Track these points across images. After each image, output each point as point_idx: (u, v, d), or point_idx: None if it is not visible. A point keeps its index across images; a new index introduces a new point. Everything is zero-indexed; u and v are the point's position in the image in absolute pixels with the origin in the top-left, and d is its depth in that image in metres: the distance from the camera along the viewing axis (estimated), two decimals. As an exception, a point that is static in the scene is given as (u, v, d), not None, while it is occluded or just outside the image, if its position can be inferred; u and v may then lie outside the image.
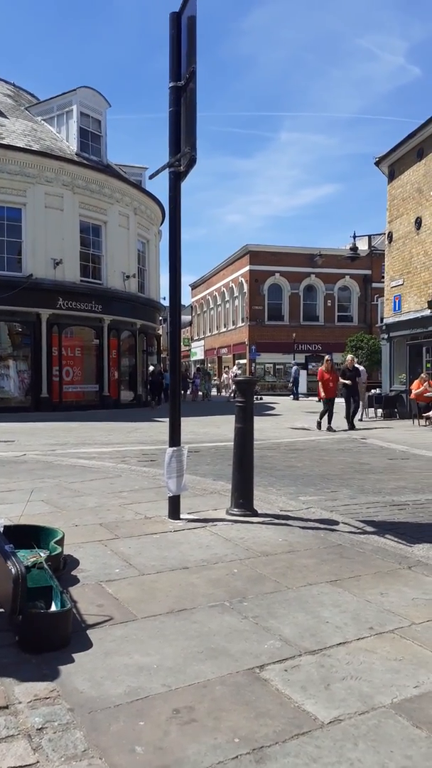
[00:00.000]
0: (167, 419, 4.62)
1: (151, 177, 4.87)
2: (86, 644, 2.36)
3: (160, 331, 30.11)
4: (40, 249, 20.15)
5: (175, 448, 4.41)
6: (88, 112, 22.65)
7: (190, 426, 13.02)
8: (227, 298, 44.99)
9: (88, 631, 2.48)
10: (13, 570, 2.30)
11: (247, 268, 39.89)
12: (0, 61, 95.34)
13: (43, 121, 23.04)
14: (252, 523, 4.40)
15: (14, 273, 19.76)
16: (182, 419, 4.60)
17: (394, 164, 21.14)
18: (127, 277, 23.35)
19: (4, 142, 19.83)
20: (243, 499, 4.65)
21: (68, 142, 22.33)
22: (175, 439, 4.45)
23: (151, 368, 24.74)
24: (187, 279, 57.54)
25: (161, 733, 1.78)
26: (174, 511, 4.46)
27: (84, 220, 21.72)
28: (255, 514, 4.60)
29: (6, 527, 3.28)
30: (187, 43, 4.28)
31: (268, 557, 3.57)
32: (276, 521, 4.47)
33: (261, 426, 14.26)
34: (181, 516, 4.46)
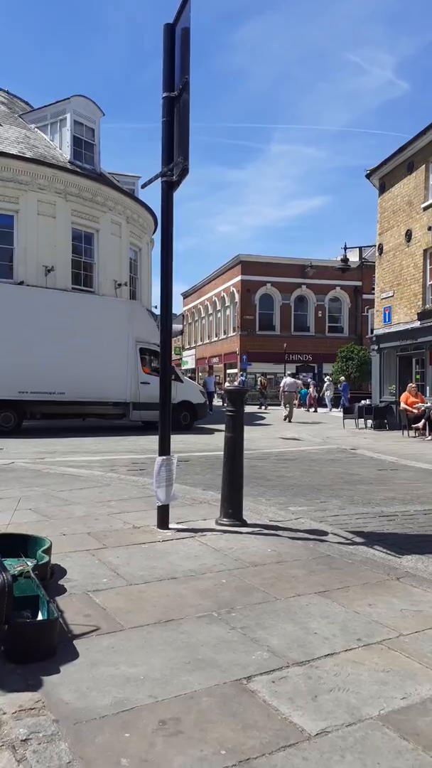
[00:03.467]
0: (156, 429, 4.61)
1: (143, 186, 4.89)
2: (73, 654, 2.34)
3: (152, 340, 30.04)
4: (32, 256, 20.12)
5: (164, 457, 4.40)
6: (81, 121, 22.74)
7: (180, 436, 13.00)
8: (218, 308, 45.10)
9: (74, 641, 2.46)
10: (-1, 579, 2.28)
11: (239, 278, 40.04)
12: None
13: (36, 129, 23.09)
14: (241, 533, 4.39)
15: (6, 280, 19.68)
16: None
17: (385, 177, 21.36)
18: (119, 285, 23.36)
19: (-2, 149, 19.83)
20: (232, 509, 4.64)
21: (62, 150, 22.38)
22: (164, 448, 4.44)
23: None
24: (178, 288, 57.67)
25: (147, 745, 1.77)
26: (163, 520, 4.44)
27: (76, 228, 21.73)
28: (244, 524, 4.59)
29: (-7, 536, 3.26)
30: (181, 55, 4.32)
31: (257, 568, 3.56)
32: (265, 531, 4.46)
33: (251, 436, 14.26)
34: (170, 526, 4.44)
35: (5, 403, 14.00)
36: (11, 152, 19.96)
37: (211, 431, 15.70)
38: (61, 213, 21.04)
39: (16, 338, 13.63)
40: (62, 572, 3.33)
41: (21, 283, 19.63)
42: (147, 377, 15.53)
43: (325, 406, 31.01)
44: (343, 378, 32.88)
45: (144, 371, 15.68)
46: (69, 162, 21.96)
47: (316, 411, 30.01)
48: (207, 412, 17.97)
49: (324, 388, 32.08)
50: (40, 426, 16.09)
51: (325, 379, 32.92)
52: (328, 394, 31.33)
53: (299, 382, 27.90)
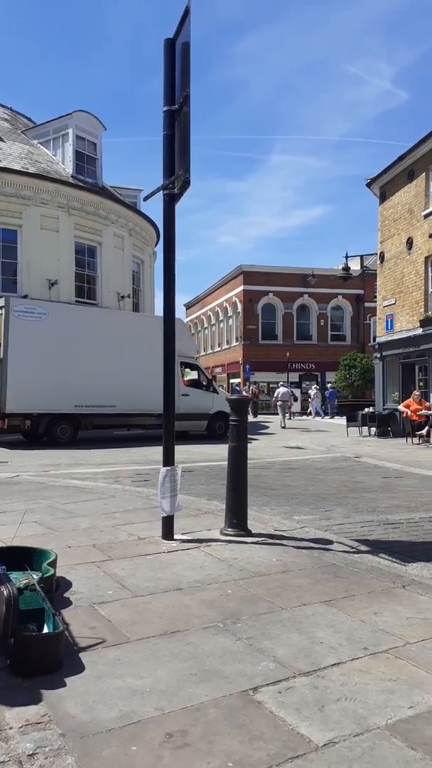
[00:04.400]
0: (161, 439, 4.61)
1: (145, 199, 4.93)
2: (79, 667, 2.34)
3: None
4: (35, 270, 20.26)
5: (168, 468, 4.41)
6: (83, 135, 22.96)
7: (184, 446, 12.99)
8: (221, 318, 45.19)
9: (80, 654, 2.45)
10: (5, 592, 2.29)
11: (241, 288, 40.14)
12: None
13: (39, 145, 23.31)
14: (246, 543, 4.38)
15: (10, 294, 19.82)
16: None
17: (385, 186, 21.45)
18: (122, 297, 23.47)
19: (1, 165, 20.04)
20: (237, 519, 4.64)
21: (64, 164, 22.59)
22: (168, 458, 4.45)
23: None
24: (181, 299, 57.89)
25: (154, 758, 1.76)
26: (168, 531, 4.44)
27: (79, 242, 21.88)
28: (249, 534, 4.59)
29: (-2, 549, 3.26)
30: (181, 69, 4.37)
31: (263, 578, 3.55)
32: (270, 541, 4.45)
33: (255, 445, 14.25)
34: (175, 536, 4.44)
35: (63, 416, 14.85)
36: (14, 168, 20.16)
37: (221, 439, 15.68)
38: (63, 227, 21.20)
39: (72, 356, 14.43)
40: (68, 585, 3.33)
41: (25, 296, 19.74)
42: (187, 389, 16.50)
43: (317, 413, 31.76)
44: (329, 385, 33.15)
45: (183, 384, 16.50)
46: (71, 176, 22.16)
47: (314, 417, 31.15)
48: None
49: (312, 396, 32.43)
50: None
51: (312, 388, 33.23)
52: (314, 403, 32.02)
53: (292, 391, 29.08)
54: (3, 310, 13.75)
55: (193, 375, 17.63)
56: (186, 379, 17.01)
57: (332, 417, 30.19)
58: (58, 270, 20.81)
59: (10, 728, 1.90)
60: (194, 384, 17.33)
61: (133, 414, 15.86)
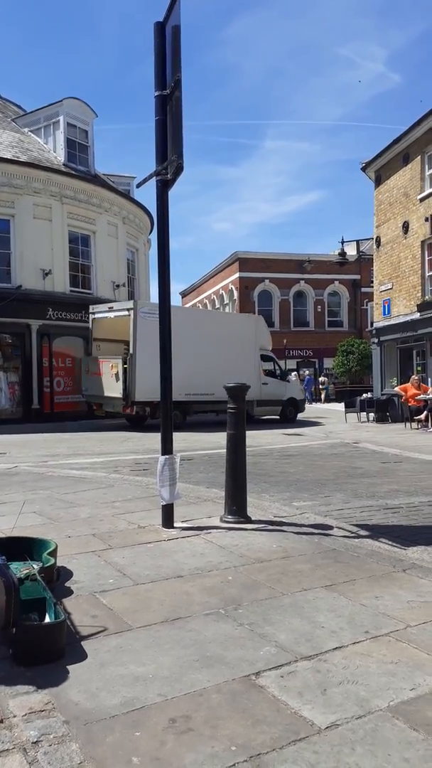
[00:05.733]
0: (158, 429, 4.61)
1: (138, 185, 4.89)
2: (81, 655, 2.34)
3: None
4: (28, 260, 20.13)
5: (167, 457, 4.40)
6: (75, 123, 22.72)
7: (182, 434, 13.01)
8: (218, 305, 45.07)
9: (82, 642, 2.46)
10: (5, 582, 2.29)
11: (237, 275, 40.00)
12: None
13: (30, 133, 23.07)
14: (246, 530, 4.39)
15: (3, 284, 19.72)
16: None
17: (381, 169, 21.34)
18: (117, 286, 23.36)
19: (-9, 153, 19.83)
20: (236, 506, 4.65)
21: (55, 152, 22.37)
22: (167, 447, 4.45)
23: None
24: (176, 287, 57.60)
25: (158, 744, 1.77)
26: (167, 519, 4.44)
27: (73, 230, 21.73)
28: (249, 520, 4.60)
29: (-2, 539, 3.26)
30: (172, 53, 4.31)
31: (263, 564, 3.56)
32: (270, 527, 4.47)
33: (253, 432, 14.26)
34: (175, 524, 4.44)
35: (176, 404, 15.73)
36: (6, 156, 19.96)
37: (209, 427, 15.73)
38: (56, 216, 21.04)
39: (182, 350, 16.45)
40: (68, 574, 3.34)
41: (19, 287, 19.65)
42: (266, 378, 18.89)
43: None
44: (307, 372, 32.85)
45: (262, 374, 18.83)
46: (63, 164, 21.96)
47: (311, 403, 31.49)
48: (305, 407, 21.31)
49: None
50: (43, 429, 16.13)
51: (291, 375, 33.18)
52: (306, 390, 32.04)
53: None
54: (131, 312, 15.79)
55: (268, 365, 19.60)
56: (263, 369, 19.05)
57: (310, 403, 30.32)
58: (51, 259, 20.68)
59: (14, 716, 1.90)
60: (270, 374, 19.42)
61: (224, 401, 16.35)
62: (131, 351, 15.72)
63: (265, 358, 19.24)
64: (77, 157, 22.76)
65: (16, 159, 20.15)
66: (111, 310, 17.00)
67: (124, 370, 15.73)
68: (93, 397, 17.31)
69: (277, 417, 19.30)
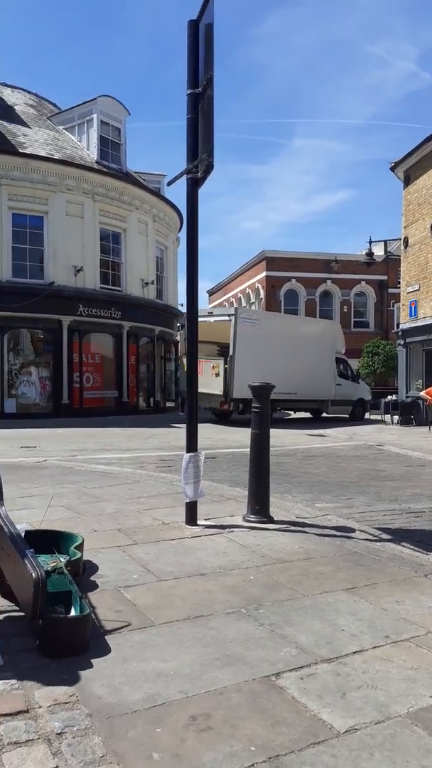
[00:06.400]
0: (184, 426, 4.65)
1: (169, 184, 4.92)
2: (105, 650, 2.39)
3: (178, 338, 30.23)
4: (61, 256, 20.38)
5: (192, 454, 4.44)
6: (108, 121, 22.91)
7: (206, 432, 13.05)
8: (244, 304, 44.99)
9: (106, 637, 2.51)
10: (33, 575, 2.34)
11: (264, 274, 39.88)
12: (23, 72, 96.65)
13: (64, 130, 23.34)
14: (268, 529, 4.41)
15: (37, 281, 20.02)
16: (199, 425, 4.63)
17: (410, 169, 21.05)
18: (146, 283, 23.51)
19: (27, 151, 20.13)
20: (259, 505, 4.66)
21: (89, 150, 22.59)
22: (192, 445, 4.48)
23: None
24: (204, 285, 57.80)
25: (178, 740, 1.80)
26: (191, 517, 4.48)
27: (104, 228, 21.92)
28: (271, 520, 4.61)
29: (27, 532, 3.33)
30: (205, 51, 4.33)
31: (284, 564, 3.57)
32: (292, 528, 4.47)
33: (277, 432, 14.24)
34: (198, 522, 4.48)
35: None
36: (40, 154, 20.23)
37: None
38: (88, 213, 21.25)
39: (272, 352, 17.60)
40: (94, 568, 3.40)
41: (51, 283, 19.91)
42: (340, 380, 20.41)
43: None
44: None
45: (337, 375, 20.38)
46: (96, 162, 22.17)
47: None
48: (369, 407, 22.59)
49: None
50: (71, 424, 16.33)
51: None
52: None
53: None
54: (233, 318, 17.32)
55: (341, 367, 20.96)
56: (337, 371, 20.54)
57: None
58: (83, 256, 20.90)
59: (39, 707, 1.96)
60: (343, 375, 20.86)
61: (305, 400, 19.50)
62: (231, 353, 17.05)
63: (338, 360, 20.61)
64: (110, 154, 22.95)
65: (50, 157, 20.41)
66: (211, 314, 18.68)
67: (225, 370, 17.14)
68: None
69: (347, 416, 20.79)
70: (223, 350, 17.92)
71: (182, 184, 4.51)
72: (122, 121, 23.48)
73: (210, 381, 17.26)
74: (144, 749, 1.75)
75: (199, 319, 17.67)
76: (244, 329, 17.10)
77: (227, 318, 17.63)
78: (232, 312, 17.94)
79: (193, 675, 2.20)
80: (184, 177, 4.47)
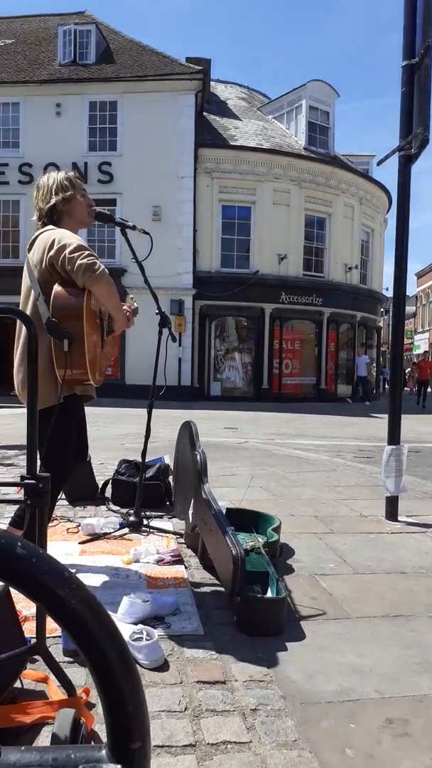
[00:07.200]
0: (385, 415, 4.45)
1: (379, 163, 4.70)
2: (299, 635, 2.38)
3: (381, 324, 29.14)
4: (266, 245, 20.85)
5: (394, 447, 4.23)
6: (316, 105, 22.76)
7: (410, 423, 12.42)
8: (458, 289, 41.79)
9: (301, 622, 2.50)
10: (233, 552, 2.42)
11: None
12: (235, 67, 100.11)
13: (273, 120, 23.72)
14: None
15: (242, 270, 20.77)
16: (402, 416, 4.40)
17: None
18: (350, 268, 23.02)
19: (237, 143, 20.85)
20: (470, 507, 4.29)
21: (297, 137, 22.69)
22: (394, 437, 4.27)
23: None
24: (413, 267, 54.78)
25: (373, 741, 1.73)
26: (391, 512, 4.29)
27: (309, 214, 21.92)
28: None
29: (228, 509, 3.47)
30: (423, 17, 4.03)
31: None
32: None
33: None
34: (399, 518, 4.27)
35: None
36: (249, 145, 20.83)
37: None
38: (294, 200, 21.39)
39: None
40: (290, 552, 3.42)
41: (256, 272, 20.48)
42: None
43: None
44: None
45: None
46: (304, 148, 22.19)
47: None
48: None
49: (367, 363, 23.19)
50: (270, 408, 16.67)
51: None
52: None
53: None
54: None
55: None
56: None
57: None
58: (287, 244, 21.14)
59: (236, 680, 2.01)
60: None
61: None
62: None
63: None
64: (317, 139, 22.80)
65: (259, 147, 20.91)
66: None
67: None
68: None
69: None
70: None
71: (392, 163, 4.28)
72: (331, 104, 23.14)
73: None
74: (337, 743, 1.71)
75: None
76: None
77: None
78: None
79: (391, 676, 2.10)
80: (396, 155, 4.24)
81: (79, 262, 2.54)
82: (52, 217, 2.87)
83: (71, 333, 2.52)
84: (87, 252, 2.59)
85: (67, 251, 2.57)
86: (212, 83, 24.28)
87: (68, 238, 2.65)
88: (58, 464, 2.66)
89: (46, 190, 2.87)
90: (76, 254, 2.56)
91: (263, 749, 1.66)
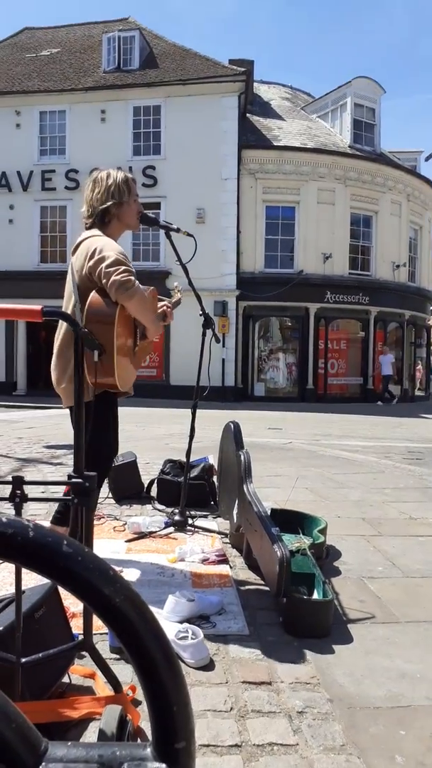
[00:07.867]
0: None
1: (427, 159, 4.62)
2: (347, 638, 2.34)
3: (431, 322, 28.48)
4: (310, 245, 20.68)
5: (445, 448, 4.11)
6: (362, 102, 22.45)
7: (462, 425, 12.07)
8: None
9: (348, 625, 2.46)
10: (278, 553, 2.39)
11: None
12: (279, 68, 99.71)
13: (317, 119, 23.52)
14: None
15: (286, 270, 20.66)
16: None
17: None
18: (397, 266, 22.60)
19: (281, 143, 20.76)
20: None
21: (341, 135, 22.43)
22: (446, 438, 4.16)
23: None
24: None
25: (424, 749, 1.67)
26: (442, 514, 4.17)
27: (354, 212, 21.64)
28: None
29: (272, 510, 3.44)
30: None
31: None
32: None
33: None
34: (451, 521, 4.15)
35: None
36: (293, 145, 20.70)
37: None
38: (339, 199, 21.15)
39: None
40: (336, 554, 3.36)
41: (300, 272, 20.33)
42: None
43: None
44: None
45: None
46: (349, 146, 21.91)
47: None
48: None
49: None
50: (315, 409, 16.51)
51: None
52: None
53: None
54: None
55: None
56: None
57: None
58: (332, 243, 20.92)
59: (281, 682, 1.99)
60: None
61: None
62: None
63: None
64: (363, 137, 22.49)
65: (303, 146, 20.76)
66: None
67: None
68: None
69: None
70: None
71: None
72: (377, 101, 22.78)
73: None
74: (386, 749, 1.66)
75: None
76: None
77: None
78: None
79: (442, 683, 2.03)
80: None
81: (113, 278, 2.57)
82: (103, 218, 2.90)
83: (102, 343, 2.55)
84: (123, 267, 2.62)
85: (104, 265, 2.61)
86: (255, 84, 24.24)
87: (108, 249, 2.68)
88: (95, 461, 2.68)
89: (104, 189, 2.90)
90: (112, 269, 2.59)
91: (310, 752, 1.63)
